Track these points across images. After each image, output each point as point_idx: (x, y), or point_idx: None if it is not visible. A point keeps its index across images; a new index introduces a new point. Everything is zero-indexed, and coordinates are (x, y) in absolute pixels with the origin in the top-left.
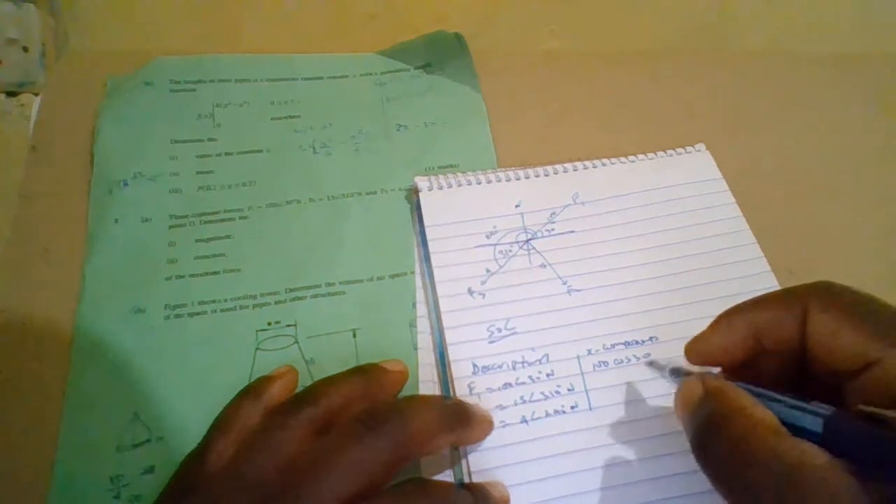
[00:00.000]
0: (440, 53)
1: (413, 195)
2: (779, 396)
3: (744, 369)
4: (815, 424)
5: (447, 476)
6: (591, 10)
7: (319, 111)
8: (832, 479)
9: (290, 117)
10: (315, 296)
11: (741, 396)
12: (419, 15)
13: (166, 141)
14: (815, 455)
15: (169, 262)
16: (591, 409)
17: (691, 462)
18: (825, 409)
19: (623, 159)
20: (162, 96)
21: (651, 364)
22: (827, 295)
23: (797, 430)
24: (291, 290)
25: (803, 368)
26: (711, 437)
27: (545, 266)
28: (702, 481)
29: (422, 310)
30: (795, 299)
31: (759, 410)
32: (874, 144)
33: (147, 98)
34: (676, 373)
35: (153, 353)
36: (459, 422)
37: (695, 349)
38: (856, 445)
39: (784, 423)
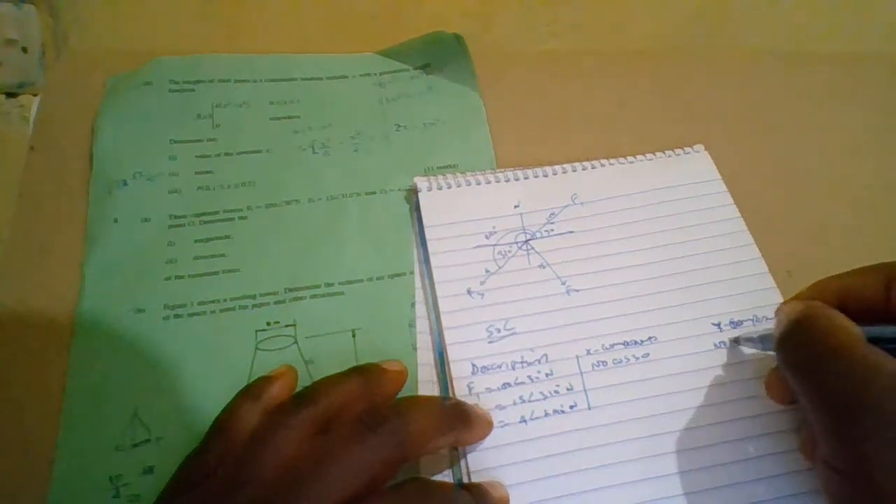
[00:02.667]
0: (439, 54)
1: (412, 195)
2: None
3: None
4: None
5: (446, 476)
6: (591, 11)
7: (319, 111)
8: None
9: (290, 117)
10: (314, 296)
11: (833, 310)
12: (419, 15)
13: (165, 141)
14: (890, 361)
15: (168, 262)
16: (590, 408)
17: (691, 461)
18: None
19: (622, 160)
20: (161, 96)
21: (737, 340)
22: None
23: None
24: (291, 291)
25: None
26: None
27: (544, 266)
28: (700, 480)
29: (421, 310)
30: (881, 268)
31: (847, 321)
32: (873, 145)
33: (146, 98)
34: (767, 339)
35: (153, 353)
36: (459, 422)
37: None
38: None
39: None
